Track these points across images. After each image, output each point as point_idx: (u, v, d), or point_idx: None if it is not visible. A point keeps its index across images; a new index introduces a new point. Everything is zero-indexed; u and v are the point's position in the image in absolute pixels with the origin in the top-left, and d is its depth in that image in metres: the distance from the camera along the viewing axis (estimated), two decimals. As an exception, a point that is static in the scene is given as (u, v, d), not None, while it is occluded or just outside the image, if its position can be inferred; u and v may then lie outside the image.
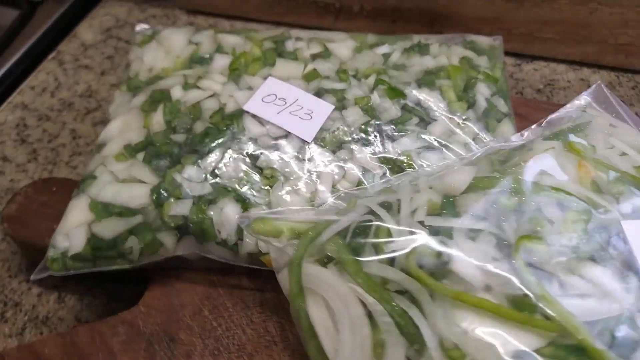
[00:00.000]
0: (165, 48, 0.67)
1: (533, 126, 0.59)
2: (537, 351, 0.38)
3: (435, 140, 0.58)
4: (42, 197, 0.63)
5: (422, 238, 0.44)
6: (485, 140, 0.60)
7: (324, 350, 0.42)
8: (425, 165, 0.56)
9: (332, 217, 0.48)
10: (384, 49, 0.67)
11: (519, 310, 0.40)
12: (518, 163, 0.50)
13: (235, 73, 0.62)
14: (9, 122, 0.80)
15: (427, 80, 0.63)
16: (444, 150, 0.58)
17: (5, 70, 0.88)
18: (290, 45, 0.66)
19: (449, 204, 0.46)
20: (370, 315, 0.41)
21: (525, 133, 0.59)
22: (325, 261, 0.45)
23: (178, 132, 0.57)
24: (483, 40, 0.70)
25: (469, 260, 0.42)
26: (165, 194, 0.54)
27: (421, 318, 0.40)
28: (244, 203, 0.54)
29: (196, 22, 0.93)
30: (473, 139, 0.60)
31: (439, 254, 0.42)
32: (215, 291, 0.55)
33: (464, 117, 0.60)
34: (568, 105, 0.59)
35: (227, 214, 0.53)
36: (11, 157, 0.76)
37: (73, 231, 0.53)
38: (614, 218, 0.44)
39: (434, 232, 0.44)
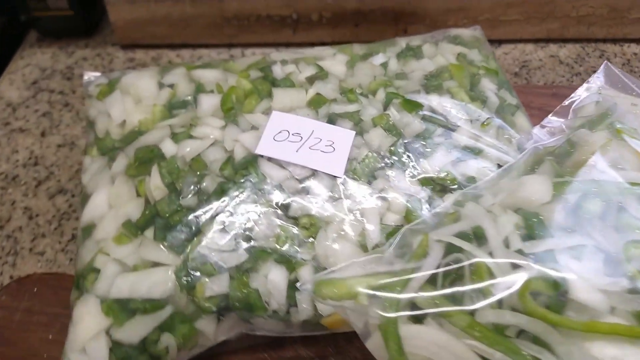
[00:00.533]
0: (134, 96, 0.56)
1: (550, 116, 0.55)
2: None
3: (466, 147, 0.53)
4: (23, 303, 0.51)
5: (530, 269, 0.38)
6: (509, 138, 0.55)
7: None
8: (464, 178, 0.51)
9: (411, 263, 0.41)
10: (379, 58, 0.60)
11: None
12: (580, 162, 0.45)
13: (231, 113, 0.53)
14: (-59, 213, 0.65)
15: (433, 85, 0.57)
16: (478, 157, 0.52)
17: None
18: (279, 70, 0.58)
19: (538, 224, 0.40)
20: None
21: (548, 126, 0.55)
22: (419, 317, 0.38)
23: (186, 195, 0.48)
24: (465, 33, 0.66)
25: (586, 283, 0.36)
26: (194, 273, 0.44)
27: None
28: (289, 264, 0.45)
29: (136, 57, 0.82)
30: (497, 138, 0.55)
31: (554, 284, 0.37)
32: (270, 368, 0.47)
33: (485, 117, 0.55)
34: (580, 90, 0.56)
35: (274, 280, 0.44)
36: (-45, 255, 0.62)
37: (90, 344, 0.42)
38: None
39: (536, 260, 0.38)
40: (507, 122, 0.56)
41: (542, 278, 0.37)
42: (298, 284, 0.43)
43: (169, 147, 0.51)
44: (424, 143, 0.52)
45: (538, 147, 0.50)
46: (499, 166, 0.52)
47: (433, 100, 0.56)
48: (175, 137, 0.52)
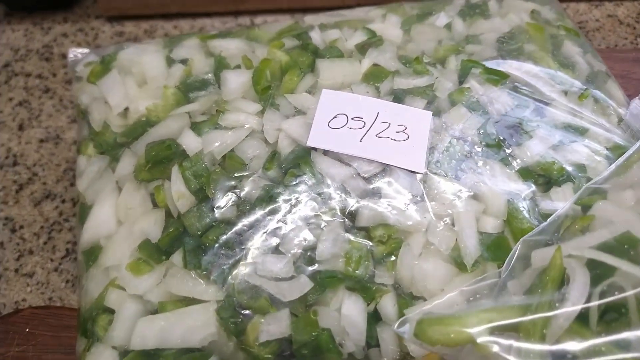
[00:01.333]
0: (137, 77, 0.44)
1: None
2: None
3: (568, 126, 0.42)
4: (12, 348, 0.39)
5: None
6: (610, 113, 0.44)
7: None
8: (573, 167, 0.40)
9: (547, 294, 0.30)
10: (440, 18, 0.48)
11: None
12: None
13: (267, 94, 0.41)
14: None
15: (512, 49, 0.46)
16: (584, 138, 0.41)
17: None
18: (318, 37, 0.45)
19: None
20: None
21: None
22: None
23: (221, 205, 0.36)
24: (530, -14, 0.54)
25: None
26: (243, 312, 0.32)
27: None
28: (366, 291, 0.34)
29: (125, 31, 0.69)
30: (597, 113, 0.44)
31: None
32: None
33: (580, 88, 0.44)
34: None
35: (349, 315, 0.33)
36: None
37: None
38: None
39: None
40: (604, 93, 0.46)
41: None
42: (387, 323, 0.32)
43: (191, 141, 0.39)
44: (519, 124, 0.41)
45: None
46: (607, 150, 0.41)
47: (516, 68, 0.44)
48: (197, 128, 0.39)
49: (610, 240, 0.31)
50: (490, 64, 0.44)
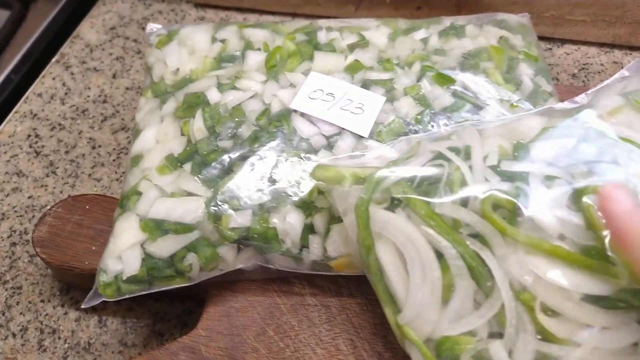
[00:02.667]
0: (189, 48, 0.61)
1: (581, 95, 0.55)
2: (606, 296, 0.38)
3: (488, 120, 0.54)
4: (75, 216, 0.57)
5: (497, 183, 0.42)
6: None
7: (392, 292, 0.42)
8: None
9: (400, 162, 0.46)
10: (420, 34, 0.62)
11: (592, 258, 0.38)
12: (590, 116, 0.47)
13: (273, 70, 0.57)
14: (19, 134, 0.73)
15: (470, 63, 0.59)
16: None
17: (4, 77, 0.81)
18: (323, 36, 0.61)
19: (522, 149, 0.44)
20: (439, 258, 0.40)
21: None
22: (393, 205, 0.43)
23: (223, 138, 0.52)
24: (512, 18, 0.66)
25: (544, 207, 0.40)
26: (222, 206, 0.48)
27: (493, 260, 0.39)
28: (307, 209, 0.49)
29: (206, 16, 0.86)
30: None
31: (514, 200, 0.40)
32: (278, 309, 0.51)
33: (515, 100, 0.56)
34: (610, 80, 0.56)
35: (291, 222, 0.48)
36: (27, 171, 0.69)
37: (125, 253, 0.48)
38: None
39: (509, 177, 0.42)
40: (538, 107, 0.57)
41: (505, 192, 0.41)
42: (318, 233, 0.48)
43: (214, 95, 0.55)
44: (450, 116, 0.54)
45: (553, 107, 0.52)
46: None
47: (467, 78, 0.57)
48: (220, 87, 0.56)
49: (459, 146, 0.45)
50: (447, 72, 0.57)
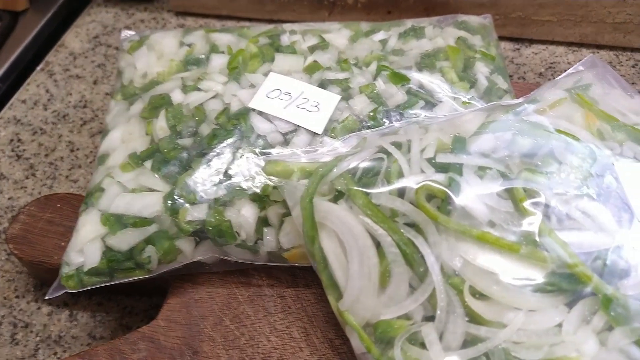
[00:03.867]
0: (157, 52, 0.63)
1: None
2: (534, 279, 0.39)
3: (437, 116, 0.55)
4: (47, 214, 0.59)
5: (432, 174, 0.43)
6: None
7: (336, 281, 0.43)
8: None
9: (343, 156, 0.47)
10: (380, 35, 0.63)
11: (521, 244, 0.40)
12: (529, 110, 0.49)
13: (235, 72, 0.58)
14: (3, 138, 0.75)
15: (427, 63, 0.60)
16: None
17: (-8, 85, 0.83)
18: (285, 39, 0.62)
19: (459, 143, 0.45)
20: (378, 246, 0.42)
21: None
22: (336, 197, 0.45)
23: (184, 136, 0.54)
24: (474, 20, 0.68)
25: (475, 196, 0.41)
26: (179, 200, 0.50)
27: (426, 247, 0.40)
28: (261, 202, 0.50)
29: (186, 24, 0.88)
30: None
31: (446, 190, 0.42)
32: (235, 300, 0.52)
33: (468, 97, 0.58)
34: (564, 75, 0.57)
35: (245, 215, 0.50)
36: (8, 174, 0.71)
37: (87, 246, 0.49)
38: (613, 162, 0.45)
39: (443, 169, 0.43)
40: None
41: (438, 182, 0.42)
42: (272, 225, 0.50)
43: (177, 96, 0.57)
44: (403, 112, 0.55)
45: (502, 103, 0.53)
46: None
47: (423, 77, 0.59)
48: (185, 89, 0.58)
49: (403, 141, 0.47)
50: (403, 71, 0.59)
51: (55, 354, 0.57)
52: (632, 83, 0.75)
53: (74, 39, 0.87)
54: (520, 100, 0.52)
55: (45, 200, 0.60)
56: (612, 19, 0.76)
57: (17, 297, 0.61)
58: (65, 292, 0.50)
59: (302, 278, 0.53)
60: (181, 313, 0.51)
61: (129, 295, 0.61)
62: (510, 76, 0.77)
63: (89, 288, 0.50)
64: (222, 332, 0.50)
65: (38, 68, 0.84)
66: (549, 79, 0.76)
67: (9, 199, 0.69)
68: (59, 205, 0.59)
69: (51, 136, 0.75)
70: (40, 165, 0.72)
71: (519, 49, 0.81)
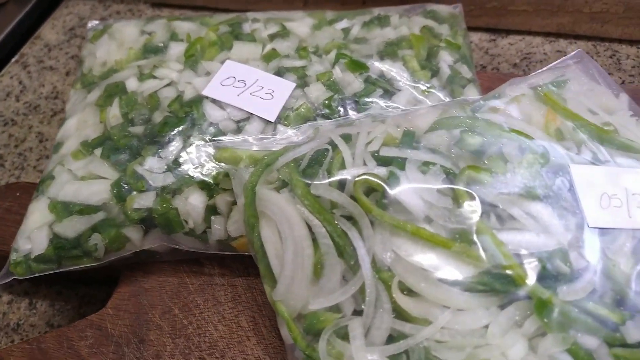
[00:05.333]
0: (118, 41, 0.62)
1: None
2: (465, 278, 0.38)
3: (397, 110, 0.55)
4: (6, 203, 0.59)
5: (372, 167, 0.42)
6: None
7: (272, 270, 0.42)
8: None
9: (291, 145, 0.46)
10: (343, 24, 0.62)
11: (456, 241, 0.38)
12: (486, 107, 0.48)
13: (191, 59, 0.58)
14: (-25, 130, 0.75)
15: (389, 51, 0.59)
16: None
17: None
18: (247, 27, 0.62)
19: (407, 137, 0.44)
20: (314, 238, 0.41)
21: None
22: (280, 187, 0.44)
23: (136, 124, 0.53)
24: (443, 9, 0.67)
25: (413, 191, 0.40)
26: (126, 188, 0.50)
27: (359, 240, 0.39)
28: (210, 190, 0.50)
29: (162, 15, 0.88)
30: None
31: (386, 184, 0.41)
32: (186, 289, 0.51)
33: (428, 85, 0.57)
34: (549, 67, 0.56)
35: (193, 203, 0.49)
36: (-22, 165, 0.72)
37: (34, 233, 0.49)
38: (569, 163, 0.43)
39: (386, 162, 0.43)
40: (455, 93, 0.58)
41: (377, 176, 0.41)
42: (220, 214, 0.49)
43: (132, 84, 0.56)
44: (359, 100, 0.55)
45: (466, 99, 0.52)
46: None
47: (384, 66, 0.58)
48: (141, 77, 0.57)
49: (352, 131, 0.46)
50: (362, 59, 0.58)
51: (12, 341, 0.57)
52: (610, 73, 0.74)
53: (50, 30, 0.87)
54: (480, 97, 0.51)
55: (5, 190, 0.60)
56: (589, 9, 0.74)
57: (-22, 286, 0.61)
58: (25, 280, 0.49)
59: (253, 267, 0.51)
60: (130, 302, 0.51)
61: (88, 285, 0.60)
62: (484, 67, 0.76)
63: (37, 275, 0.50)
64: (170, 321, 0.50)
65: (13, 60, 0.84)
66: (523, 70, 0.75)
67: (-24, 188, 0.69)
68: (18, 194, 0.59)
69: (22, 127, 0.75)
70: (9, 155, 0.72)
71: (494, 40, 0.79)
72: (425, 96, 0.56)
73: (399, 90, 0.56)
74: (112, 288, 0.60)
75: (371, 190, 0.42)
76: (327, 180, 0.42)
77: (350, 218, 0.41)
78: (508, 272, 0.37)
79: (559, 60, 0.56)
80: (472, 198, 0.40)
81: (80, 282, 0.61)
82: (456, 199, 0.40)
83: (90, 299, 0.60)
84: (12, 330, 0.57)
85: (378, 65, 0.58)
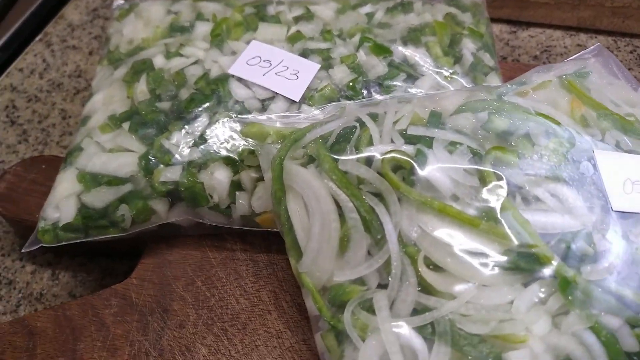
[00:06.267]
0: (144, 19, 0.63)
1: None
2: (491, 255, 0.38)
3: (424, 94, 0.55)
4: (32, 174, 0.59)
5: (400, 145, 0.43)
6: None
7: (298, 243, 0.43)
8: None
9: (318, 122, 0.47)
10: (367, 8, 0.63)
11: (482, 219, 0.39)
12: (513, 92, 0.48)
13: (217, 39, 0.58)
14: (-1, 105, 0.76)
15: (412, 37, 0.60)
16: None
17: (-8, 55, 0.85)
18: (271, 9, 0.62)
19: (434, 118, 0.45)
20: (341, 213, 0.41)
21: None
22: (308, 161, 0.45)
23: (163, 100, 0.54)
24: (466, -3, 0.67)
25: (441, 169, 0.41)
26: (154, 161, 0.50)
27: (386, 215, 0.40)
28: (234, 166, 0.51)
29: None
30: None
31: (414, 162, 0.41)
32: (208, 263, 0.52)
33: (450, 72, 0.57)
34: (569, 59, 0.56)
35: (218, 177, 0.50)
36: (1, 138, 0.72)
37: (63, 202, 0.50)
38: (593, 149, 0.44)
39: (414, 140, 0.43)
40: (477, 80, 0.58)
41: (405, 153, 0.42)
42: (244, 190, 0.50)
43: (159, 61, 0.57)
44: (382, 84, 0.55)
45: (488, 85, 0.52)
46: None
47: (407, 51, 0.58)
48: (167, 54, 0.58)
49: (379, 110, 0.47)
50: (386, 44, 0.58)
51: (35, 309, 0.58)
52: (629, 69, 0.74)
53: (73, 11, 0.88)
54: (506, 83, 0.52)
55: (31, 162, 0.61)
56: (610, 3, 0.74)
57: (2, 255, 0.62)
58: (48, 251, 0.50)
59: (275, 244, 0.53)
60: (154, 273, 0.52)
61: (111, 257, 0.61)
62: (504, 58, 0.77)
63: (64, 243, 0.50)
64: (193, 293, 0.50)
65: (37, 39, 0.84)
66: (544, 62, 0.75)
67: (0, 162, 0.70)
68: (43, 166, 0.60)
69: (45, 104, 0.75)
70: (33, 131, 0.73)
71: (515, 32, 0.80)
72: (448, 82, 0.57)
73: (422, 75, 0.57)
74: (133, 261, 0.60)
75: (397, 167, 0.42)
76: (354, 157, 0.43)
77: (376, 194, 0.41)
78: (533, 250, 0.38)
79: (578, 54, 0.56)
80: (499, 178, 0.40)
81: (102, 255, 0.61)
82: (482, 178, 0.41)
83: (112, 271, 0.60)
84: (36, 300, 0.58)
85: (401, 50, 0.58)
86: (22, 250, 0.50)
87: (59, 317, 0.49)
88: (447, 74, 0.57)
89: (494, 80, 0.59)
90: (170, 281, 0.51)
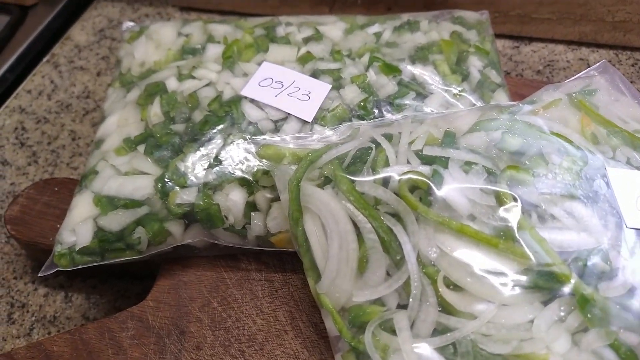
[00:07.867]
0: (155, 42, 0.64)
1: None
2: (509, 275, 0.39)
3: (434, 112, 0.56)
4: (45, 197, 0.60)
5: (416, 165, 0.43)
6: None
7: (316, 263, 0.43)
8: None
9: (333, 143, 0.47)
10: (374, 28, 0.64)
11: (500, 238, 0.39)
12: (525, 111, 0.49)
13: (229, 61, 0.59)
14: (7, 126, 0.76)
15: (420, 55, 0.61)
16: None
17: (0, 75, 0.85)
18: (281, 30, 0.63)
19: (449, 137, 0.45)
20: (359, 233, 0.42)
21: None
22: (324, 182, 0.45)
23: (177, 122, 0.55)
24: (470, 15, 0.68)
25: (458, 189, 0.41)
26: (169, 184, 0.51)
27: (404, 235, 0.40)
28: (249, 187, 0.51)
29: (190, 19, 0.89)
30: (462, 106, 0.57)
31: (431, 182, 0.42)
32: (224, 283, 0.52)
33: (459, 89, 0.58)
34: (574, 78, 0.57)
35: (233, 199, 0.50)
36: (11, 160, 0.73)
37: (79, 226, 0.50)
38: (605, 166, 0.44)
39: (430, 161, 0.44)
40: (485, 97, 0.59)
41: (422, 174, 0.42)
42: (259, 210, 0.51)
43: (172, 84, 0.58)
44: (393, 103, 0.56)
45: (499, 104, 0.53)
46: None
47: (415, 69, 0.59)
48: (180, 77, 0.58)
49: (393, 131, 0.48)
50: (395, 62, 0.59)
51: (49, 333, 0.58)
52: (632, 81, 0.75)
53: (79, 32, 0.89)
54: (517, 102, 0.52)
55: (43, 184, 0.61)
56: (611, 18, 0.75)
57: (15, 278, 0.62)
58: (61, 274, 0.50)
59: (290, 263, 0.53)
60: (170, 294, 0.52)
61: (123, 279, 0.61)
62: (508, 73, 0.77)
63: (80, 267, 0.51)
64: (210, 314, 0.50)
65: (44, 60, 0.85)
66: (547, 77, 0.76)
67: (11, 184, 0.70)
68: (56, 189, 0.60)
69: (54, 125, 0.76)
70: (42, 152, 0.73)
71: (518, 47, 0.81)
72: (457, 99, 0.57)
73: (431, 93, 0.57)
74: (146, 283, 0.61)
75: (414, 188, 0.43)
76: (371, 178, 0.43)
77: (393, 215, 0.42)
78: (552, 268, 0.38)
79: (584, 72, 0.57)
80: (514, 197, 0.41)
81: (114, 276, 0.62)
82: (498, 197, 0.41)
83: (124, 293, 0.61)
84: (49, 323, 0.58)
85: (410, 69, 0.59)
86: (39, 275, 0.50)
87: (75, 341, 0.49)
88: (455, 91, 0.58)
89: (501, 96, 0.60)
90: (186, 302, 0.51)
